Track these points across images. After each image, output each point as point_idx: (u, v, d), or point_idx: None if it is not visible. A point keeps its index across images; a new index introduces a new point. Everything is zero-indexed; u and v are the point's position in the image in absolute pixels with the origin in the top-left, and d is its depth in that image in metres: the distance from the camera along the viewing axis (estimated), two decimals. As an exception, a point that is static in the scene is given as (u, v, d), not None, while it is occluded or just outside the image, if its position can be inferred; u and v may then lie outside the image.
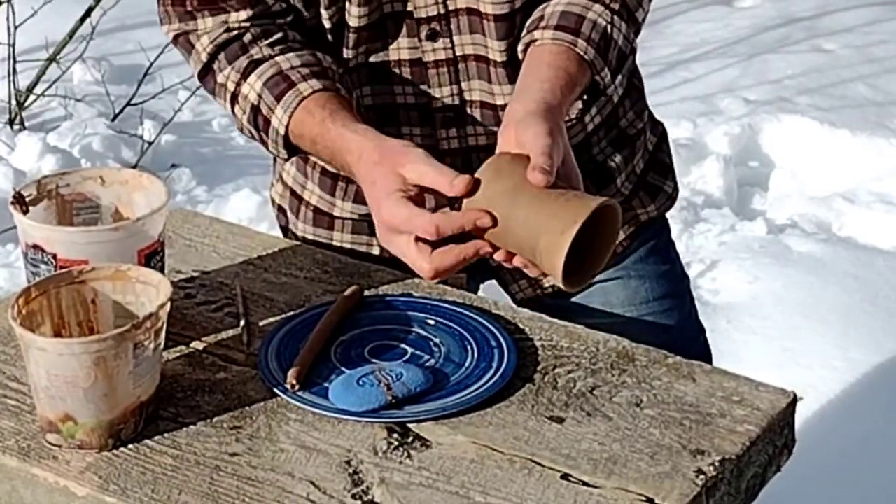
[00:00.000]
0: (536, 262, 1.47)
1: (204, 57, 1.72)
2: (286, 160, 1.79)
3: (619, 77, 1.71)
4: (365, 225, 1.82)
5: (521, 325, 1.60)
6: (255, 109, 1.68)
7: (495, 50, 1.70)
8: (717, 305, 3.52)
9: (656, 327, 1.85)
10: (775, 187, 4.23)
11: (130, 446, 1.42)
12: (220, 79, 1.71)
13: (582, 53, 1.63)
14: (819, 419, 3.01)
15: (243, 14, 1.69)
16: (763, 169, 4.35)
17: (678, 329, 1.89)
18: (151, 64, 4.60)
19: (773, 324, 3.41)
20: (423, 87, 1.73)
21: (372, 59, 1.73)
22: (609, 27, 1.66)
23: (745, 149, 4.39)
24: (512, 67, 1.70)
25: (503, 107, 1.71)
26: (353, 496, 1.34)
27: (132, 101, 4.61)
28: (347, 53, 1.72)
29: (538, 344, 1.57)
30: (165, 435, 1.44)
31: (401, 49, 1.72)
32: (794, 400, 1.49)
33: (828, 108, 4.59)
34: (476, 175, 1.50)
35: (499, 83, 1.72)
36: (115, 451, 1.42)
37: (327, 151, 1.63)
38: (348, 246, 1.84)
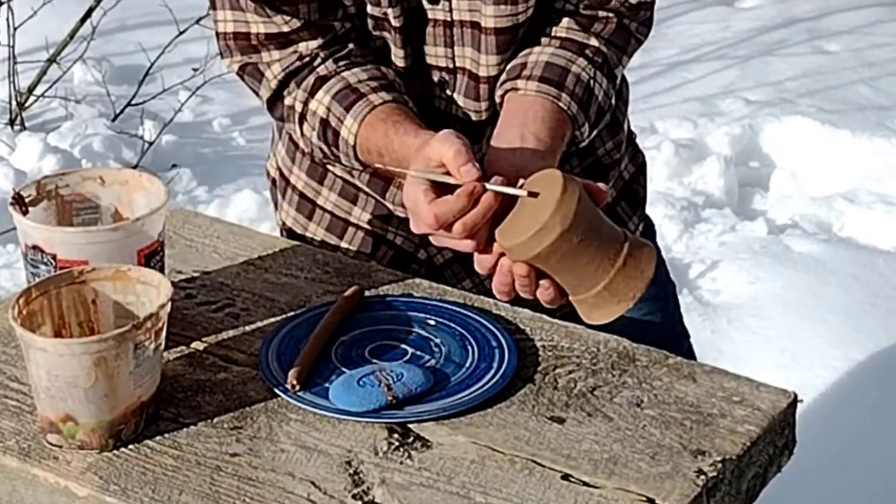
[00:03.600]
0: (575, 299, 1.48)
1: (274, 84, 1.70)
2: (361, 172, 1.77)
3: (595, 131, 1.71)
4: (340, 223, 1.83)
5: (521, 326, 1.60)
6: (325, 123, 1.67)
7: (488, 16, 1.67)
8: (718, 306, 3.52)
9: (636, 327, 1.83)
10: (776, 188, 4.22)
11: (131, 447, 1.42)
12: (287, 101, 1.70)
13: (565, 108, 1.62)
14: (819, 419, 3.00)
15: (314, 44, 1.68)
16: (764, 169, 4.34)
17: (661, 331, 1.88)
18: (152, 64, 4.60)
19: (774, 324, 3.41)
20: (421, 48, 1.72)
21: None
22: (591, 82, 1.66)
23: (746, 149, 4.39)
24: (502, 37, 1.68)
25: (485, 79, 1.70)
26: (354, 496, 1.34)
27: (132, 102, 4.60)
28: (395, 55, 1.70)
29: (539, 344, 1.57)
30: (166, 435, 1.44)
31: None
32: (795, 400, 1.49)
33: (828, 109, 4.58)
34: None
35: (486, 52, 1.69)
36: (115, 452, 1.42)
37: (395, 164, 1.61)
38: (320, 237, 1.86)
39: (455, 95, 1.73)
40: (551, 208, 1.41)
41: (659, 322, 1.89)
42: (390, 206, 1.81)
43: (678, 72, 5.04)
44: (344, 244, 1.84)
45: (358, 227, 1.84)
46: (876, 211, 3.98)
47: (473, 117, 1.73)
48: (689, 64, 5.12)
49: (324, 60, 1.68)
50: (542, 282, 1.47)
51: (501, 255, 1.48)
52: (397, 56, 1.70)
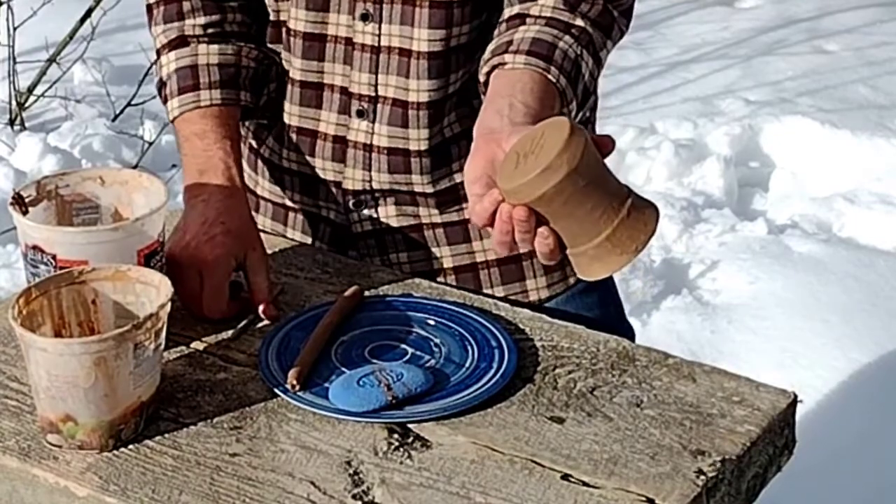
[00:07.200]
0: (574, 251, 1.43)
1: None
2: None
3: (581, 113, 1.70)
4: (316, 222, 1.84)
5: (521, 326, 1.60)
6: (162, 83, 1.78)
7: (422, 40, 1.68)
8: (718, 306, 3.52)
9: (585, 323, 1.81)
10: (776, 188, 4.23)
11: (131, 447, 1.42)
12: (153, 31, 1.81)
13: (554, 80, 1.61)
14: (819, 419, 3.01)
15: None
16: (763, 169, 4.35)
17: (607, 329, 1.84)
18: (152, 64, 4.58)
19: (774, 324, 3.41)
20: (347, 69, 1.73)
21: (312, 30, 1.73)
22: (578, 59, 1.65)
23: (746, 149, 4.40)
24: (437, 61, 1.68)
25: (415, 104, 1.71)
26: (354, 496, 1.34)
27: (132, 102, 4.61)
28: (297, 14, 1.72)
29: (538, 344, 1.57)
30: (166, 435, 1.44)
31: (339, 25, 1.71)
32: (795, 400, 1.49)
33: (828, 109, 4.59)
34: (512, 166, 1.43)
35: (417, 77, 1.69)
36: (115, 452, 1.42)
37: (186, 159, 1.72)
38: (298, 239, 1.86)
39: (377, 125, 1.73)
40: (558, 148, 1.38)
41: (601, 318, 1.85)
42: (320, 162, 1.79)
43: (678, 72, 5.05)
44: (318, 242, 1.83)
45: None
46: (876, 211, 3.98)
47: (402, 145, 1.73)
48: (689, 64, 5.12)
49: (193, 10, 1.78)
50: (541, 230, 1.42)
51: (501, 202, 1.44)
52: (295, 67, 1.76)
